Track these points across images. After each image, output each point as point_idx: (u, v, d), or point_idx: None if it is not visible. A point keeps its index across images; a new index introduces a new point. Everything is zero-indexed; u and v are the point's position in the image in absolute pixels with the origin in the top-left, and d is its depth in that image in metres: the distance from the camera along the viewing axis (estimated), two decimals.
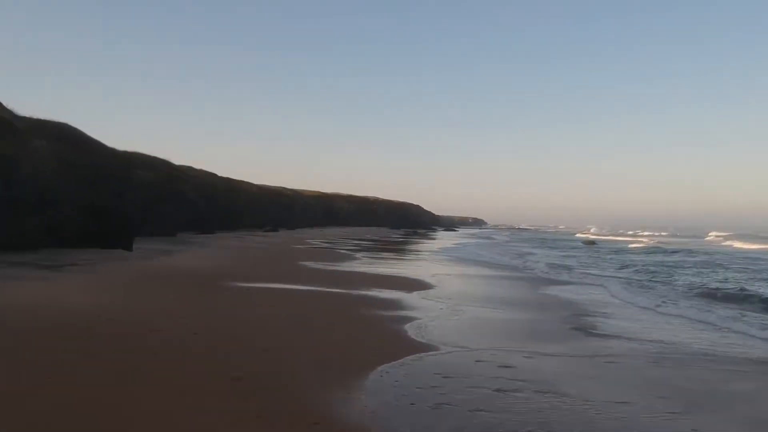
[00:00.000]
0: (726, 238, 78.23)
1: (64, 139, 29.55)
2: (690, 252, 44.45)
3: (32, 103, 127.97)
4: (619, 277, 23.70)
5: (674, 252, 45.24)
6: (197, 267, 18.61)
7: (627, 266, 30.23)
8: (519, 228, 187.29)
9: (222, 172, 72.84)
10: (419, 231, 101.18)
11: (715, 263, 32.99)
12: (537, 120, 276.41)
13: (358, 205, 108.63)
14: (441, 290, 16.62)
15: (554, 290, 18.05)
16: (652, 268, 28.07)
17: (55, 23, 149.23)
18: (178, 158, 64.67)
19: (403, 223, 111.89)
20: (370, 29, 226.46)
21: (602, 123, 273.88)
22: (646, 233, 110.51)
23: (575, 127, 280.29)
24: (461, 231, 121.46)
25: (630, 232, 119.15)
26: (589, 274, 25.19)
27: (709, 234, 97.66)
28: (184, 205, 47.06)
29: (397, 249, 42.24)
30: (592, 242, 57.74)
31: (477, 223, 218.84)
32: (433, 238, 71.51)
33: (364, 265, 24.70)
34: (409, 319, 11.34)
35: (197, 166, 67.10)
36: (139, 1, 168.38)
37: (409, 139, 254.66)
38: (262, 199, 75.17)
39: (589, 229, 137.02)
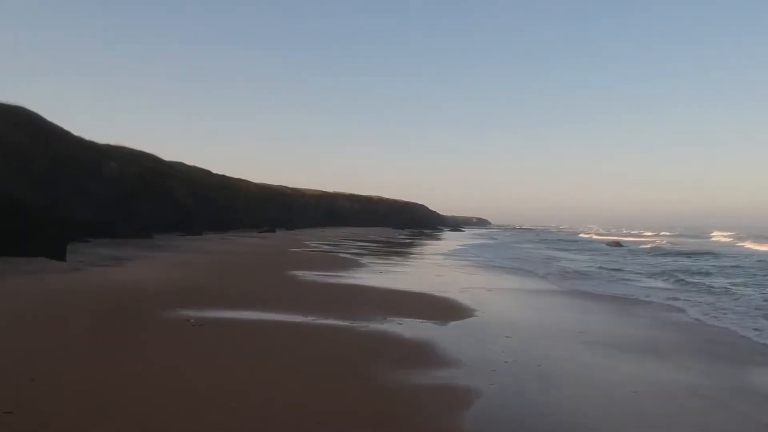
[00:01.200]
0: (735, 238, 73.56)
1: (12, 121, 24.39)
2: (718, 256, 39.03)
3: (31, 101, 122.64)
4: (686, 291, 18.48)
5: (704, 254, 39.89)
6: (147, 283, 13.33)
7: (667, 272, 25.13)
8: (523, 228, 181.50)
9: (224, 171, 68.52)
10: (425, 231, 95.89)
11: None
12: (537, 120, 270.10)
13: (362, 204, 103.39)
14: (487, 317, 11.34)
15: (648, 315, 12.73)
16: (707, 281, 22.61)
17: (53, 23, 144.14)
18: (182, 159, 60.01)
19: (407, 223, 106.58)
20: (373, 29, 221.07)
21: (602, 123, 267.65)
22: (649, 233, 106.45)
23: (575, 127, 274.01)
24: (468, 231, 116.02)
25: (634, 232, 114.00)
26: (650, 287, 19.84)
27: (712, 234, 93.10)
28: (170, 204, 41.93)
29: (407, 252, 36.96)
30: (617, 243, 52.35)
31: (481, 223, 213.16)
32: (443, 239, 66.21)
33: (372, 274, 19.41)
34: (465, 397, 6.05)
35: (196, 164, 62.75)
36: (139, 1, 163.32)
37: (410, 139, 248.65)
38: (260, 198, 70.09)
39: (593, 229, 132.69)
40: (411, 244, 49.09)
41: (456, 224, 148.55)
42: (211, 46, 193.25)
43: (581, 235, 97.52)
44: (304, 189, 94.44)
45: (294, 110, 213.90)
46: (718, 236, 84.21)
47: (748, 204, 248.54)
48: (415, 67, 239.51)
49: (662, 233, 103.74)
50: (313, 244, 36.78)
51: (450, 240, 64.29)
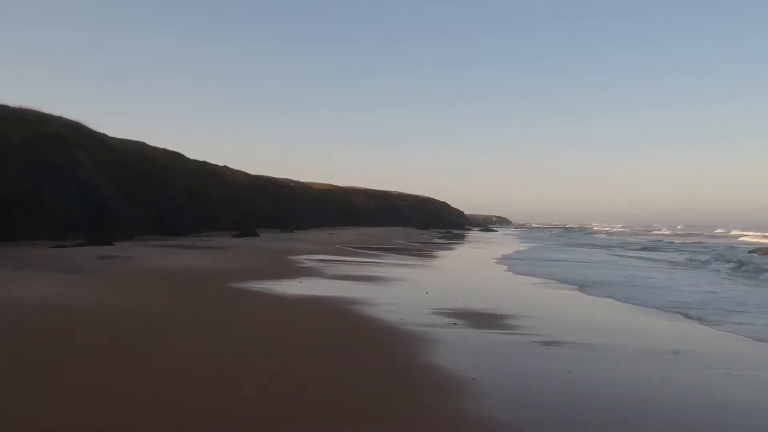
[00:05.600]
0: None
1: None
2: None
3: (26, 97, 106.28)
4: None
5: None
6: None
7: None
8: (540, 227, 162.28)
9: (238, 166, 51.46)
10: (453, 231, 77.84)
11: None
12: (543, 118, 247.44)
13: (378, 200, 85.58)
14: None
15: None
16: None
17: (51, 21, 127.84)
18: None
19: (431, 222, 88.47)
20: (381, 24, 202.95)
21: (604, 122, 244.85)
22: (666, 231, 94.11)
23: (577, 127, 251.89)
24: (501, 231, 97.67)
25: (656, 231, 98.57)
26: None
27: (735, 233, 78.26)
28: (72, 193, 24.40)
29: (486, 279, 19.10)
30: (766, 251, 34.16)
31: (502, 221, 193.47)
32: (492, 242, 47.93)
33: None
34: None
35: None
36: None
37: (418, 136, 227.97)
38: (252, 191, 52.44)
39: (610, 226, 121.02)
40: (466, 255, 31.14)
41: (479, 223, 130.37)
42: (216, 41, 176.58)
43: (599, 235, 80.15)
44: (312, 183, 76.90)
45: (298, 108, 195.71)
46: (751, 235, 67.25)
47: (748, 201, 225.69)
48: (421, 64, 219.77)
49: (693, 232, 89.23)
50: (307, 262, 18.89)
51: (501, 244, 46.10)
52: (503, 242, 50.89)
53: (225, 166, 53.68)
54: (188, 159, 47.27)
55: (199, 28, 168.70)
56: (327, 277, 14.72)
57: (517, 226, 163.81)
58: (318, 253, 23.37)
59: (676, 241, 57.25)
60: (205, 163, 50.04)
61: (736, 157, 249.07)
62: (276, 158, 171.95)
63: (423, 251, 30.63)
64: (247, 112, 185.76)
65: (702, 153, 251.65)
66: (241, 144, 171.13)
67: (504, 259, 25.76)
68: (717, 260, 27.10)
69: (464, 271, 20.69)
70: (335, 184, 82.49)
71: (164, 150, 45.44)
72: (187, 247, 21.18)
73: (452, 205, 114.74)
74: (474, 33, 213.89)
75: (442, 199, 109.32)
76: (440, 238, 53.47)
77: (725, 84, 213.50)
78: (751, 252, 33.70)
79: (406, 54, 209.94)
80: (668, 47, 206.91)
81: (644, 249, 39.82)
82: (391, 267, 19.07)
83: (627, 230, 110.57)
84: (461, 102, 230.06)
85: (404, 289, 13.29)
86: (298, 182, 72.05)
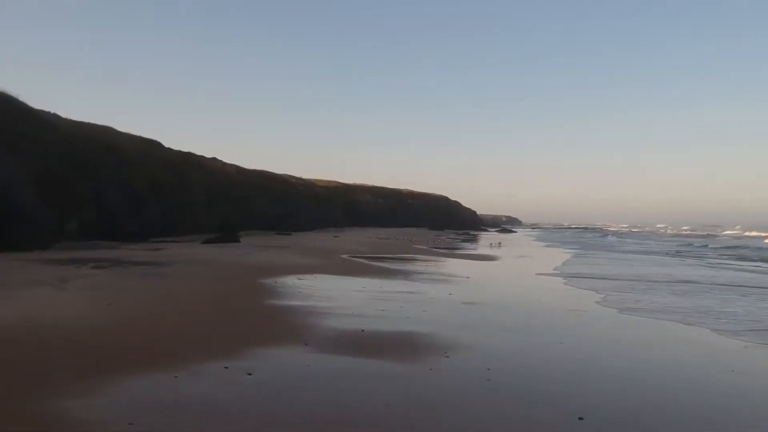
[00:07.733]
0: None
1: None
2: None
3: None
4: None
5: None
6: None
7: None
8: (552, 227, 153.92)
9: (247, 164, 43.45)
10: (471, 233, 69.80)
11: None
12: (545, 118, 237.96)
13: (388, 199, 77.50)
14: None
15: None
16: None
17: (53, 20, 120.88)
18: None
19: (444, 222, 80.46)
20: (385, 22, 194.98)
21: (605, 122, 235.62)
22: (684, 231, 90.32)
23: (579, 127, 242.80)
24: (520, 232, 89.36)
25: (671, 231, 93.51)
26: None
27: (746, 233, 73.00)
28: None
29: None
30: None
31: (512, 221, 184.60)
32: (519, 246, 39.68)
33: None
34: None
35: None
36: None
37: (417, 136, 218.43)
38: (244, 186, 44.48)
39: (618, 226, 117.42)
40: (515, 270, 23.05)
41: (494, 223, 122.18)
42: (216, 41, 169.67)
43: (610, 238, 72.24)
44: (316, 179, 68.99)
45: (298, 108, 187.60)
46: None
47: (753, 201, 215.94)
48: (416, 67, 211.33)
49: (710, 233, 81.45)
50: (288, 294, 10.89)
51: (534, 248, 37.96)
52: (532, 246, 42.85)
53: (213, 158, 45.82)
54: (165, 148, 39.44)
55: (199, 28, 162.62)
56: (315, 347, 6.74)
57: (531, 226, 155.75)
58: (312, 270, 15.37)
59: (710, 244, 48.72)
60: (189, 153, 42.22)
61: (735, 157, 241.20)
62: (276, 158, 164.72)
63: (456, 264, 22.62)
64: (247, 111, 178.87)
65: (700, 153, 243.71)
66: (241, 144, 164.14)
67: (572, 278, 17.68)
68: None
69: (551, 311, 12.45)
70: (341, 181, 74.75)
71: (137, 136, 37.66)
72: (101, 264, 13.15)
73: (464, 205, 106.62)
74: (474, 33, 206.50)
75: (452, 198, 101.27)
76: (463, 241, 45.40)
77: (725, 84, 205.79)
78: None
79: (406, 54, 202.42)
80: (668, 47, 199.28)
81: (741, 258, 31.45)
82: (433, 304, 10.99)
83: (639, 230, 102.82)
84: (463, 102, 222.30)
85: (504, 400, 5.27)
86: (300, 179, 64.26)
